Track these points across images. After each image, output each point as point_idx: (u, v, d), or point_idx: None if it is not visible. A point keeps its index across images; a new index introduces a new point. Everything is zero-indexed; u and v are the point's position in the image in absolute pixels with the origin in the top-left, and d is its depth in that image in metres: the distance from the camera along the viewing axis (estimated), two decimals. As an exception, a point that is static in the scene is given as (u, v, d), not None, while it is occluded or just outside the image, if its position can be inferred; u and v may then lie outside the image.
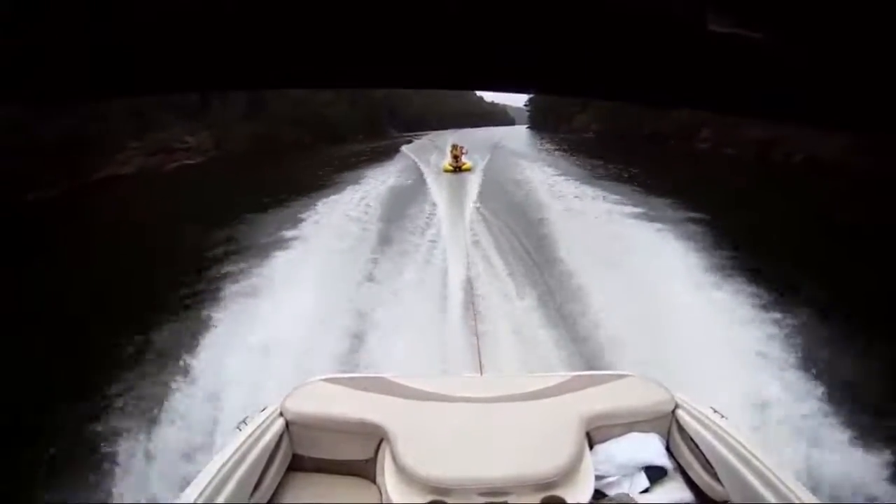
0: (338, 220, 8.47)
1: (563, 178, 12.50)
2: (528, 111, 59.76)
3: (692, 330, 3.91)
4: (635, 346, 3.76)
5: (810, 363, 3.56)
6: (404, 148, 23.53)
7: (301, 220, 8.28)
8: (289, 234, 7.39)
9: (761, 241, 6.77)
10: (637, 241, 6.42)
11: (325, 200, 10.03)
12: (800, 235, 7.30)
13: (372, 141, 33.05)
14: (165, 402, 3.46)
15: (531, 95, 54.91)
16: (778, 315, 4.23)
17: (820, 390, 3.29)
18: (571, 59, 0.54)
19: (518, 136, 39.06)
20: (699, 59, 0.50)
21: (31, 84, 0.52)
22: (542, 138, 35.42)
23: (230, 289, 5.32)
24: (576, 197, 9.83)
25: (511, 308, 4.92)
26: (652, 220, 7.53)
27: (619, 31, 0.49)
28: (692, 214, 7.96)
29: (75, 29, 0.47)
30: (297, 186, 12.56)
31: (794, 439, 2.92)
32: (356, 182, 12.87)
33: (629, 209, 8.31)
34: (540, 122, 50.34)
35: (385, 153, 21.44)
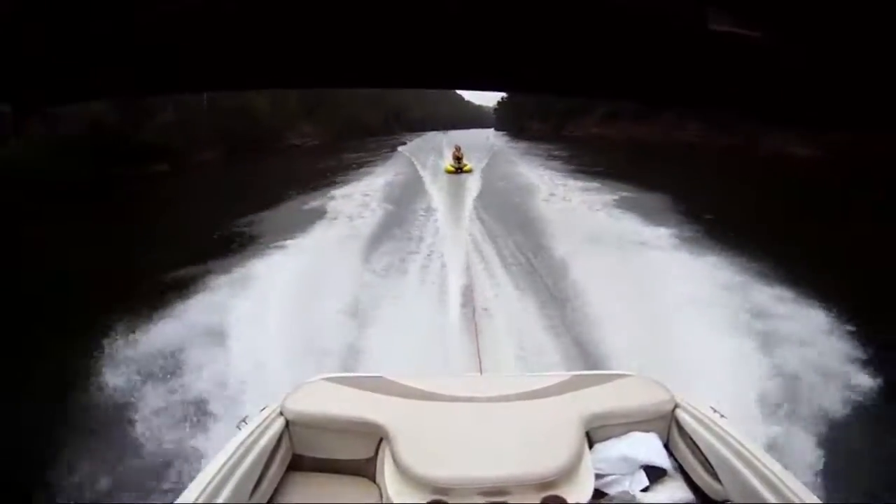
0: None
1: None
2: (495, 115, 75.61)
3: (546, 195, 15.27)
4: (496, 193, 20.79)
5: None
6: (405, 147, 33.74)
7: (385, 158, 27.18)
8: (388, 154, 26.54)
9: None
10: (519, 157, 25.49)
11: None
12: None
13: (390, 136, 51.51)
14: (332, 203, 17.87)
15: (496, 105, 73.61)
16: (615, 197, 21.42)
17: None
18: (571, 59, 1.34)
19: (490, 133, 60.24)
20: (699, 58, 1.07)
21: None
22: (498, 134, 57.51)
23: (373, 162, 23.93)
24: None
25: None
26: (523, 153, 27.61)
27: (619, 31, 1.10)
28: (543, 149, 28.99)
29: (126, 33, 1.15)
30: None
31: None
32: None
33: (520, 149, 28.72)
34: (501, 123, 70.37)
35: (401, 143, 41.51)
